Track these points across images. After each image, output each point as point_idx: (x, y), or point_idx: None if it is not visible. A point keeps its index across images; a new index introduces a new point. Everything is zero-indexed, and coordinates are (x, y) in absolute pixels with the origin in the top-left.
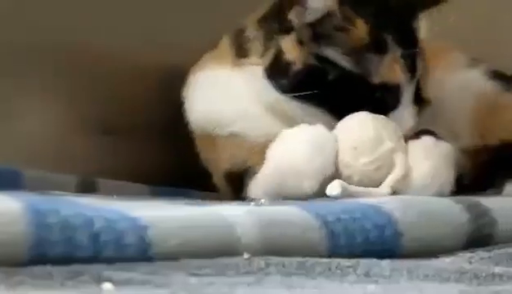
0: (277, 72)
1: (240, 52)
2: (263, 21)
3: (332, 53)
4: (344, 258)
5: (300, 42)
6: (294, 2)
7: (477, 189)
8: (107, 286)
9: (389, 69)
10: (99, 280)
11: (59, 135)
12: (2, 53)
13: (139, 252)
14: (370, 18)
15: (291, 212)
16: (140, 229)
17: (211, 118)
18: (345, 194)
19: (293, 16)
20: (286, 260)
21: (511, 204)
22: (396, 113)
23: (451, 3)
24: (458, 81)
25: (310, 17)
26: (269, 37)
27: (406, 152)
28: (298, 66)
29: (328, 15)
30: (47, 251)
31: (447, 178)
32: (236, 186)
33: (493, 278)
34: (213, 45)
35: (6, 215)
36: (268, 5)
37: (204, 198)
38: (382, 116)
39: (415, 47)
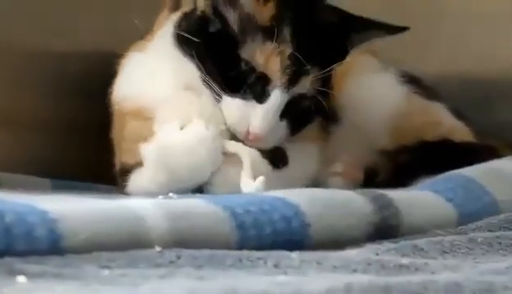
0: (186, 17)
1: (174, 9)
2: None
3: (229, 14)
4: (254, 250)
5: None
6: None
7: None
8: (21, 279)
9: (266, 56)
10: (13, 273)
11: None
12: None
13: (50, 245)
14: (284, 7)
15: (200, 205)
16: (50, 222)
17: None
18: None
19: None
20: (197, 252)
21: (416, 197)
22: (254, 106)
23: None
24: (372, 85)
25: None
26: None
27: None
28: (198, 12)
29: None
30: None
31: None
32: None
33: (400, 268)
34: None
35: None
36: None
37: (107, 192)
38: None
39: (319, 64)
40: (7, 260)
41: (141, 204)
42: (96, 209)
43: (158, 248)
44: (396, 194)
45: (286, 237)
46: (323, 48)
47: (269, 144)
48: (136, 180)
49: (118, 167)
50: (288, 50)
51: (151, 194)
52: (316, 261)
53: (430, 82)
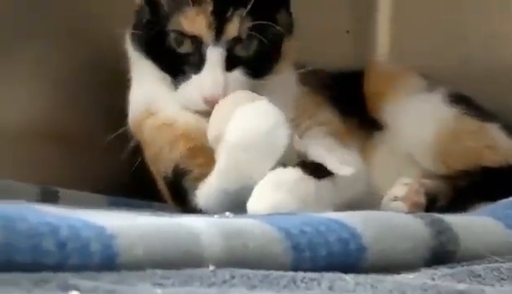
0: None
1: None
2: None
3: None
4: (308, 271)
5: None
6: None
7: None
8: None
9: (190, 18)
10: (66, 288)
11: (18, 143)
12: None
13: (105, 261)
14: None
15: (255, 225)
16: (106, 237)
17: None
18: None
19: None
20: (251, 272)
21: (475, 222)
22: (198, 75)
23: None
24: (418, 106)
25: None
26: None
27: None
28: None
29: None
30: (15, 258)
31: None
32: (179, 195)
33: None
34: None
35: None
36: None
37: (162, 210)
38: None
39: (242, 5)
40: (61, 275)
41: (197, 222)
42: (152, 226)
43: (211, 267)
44: (454, 219)
45: (341, 259)
46: None
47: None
48: (204, 190)
49: (164, 188)
50: (208, 6)
51: (219, 203)
52: (371, 285)
53: None
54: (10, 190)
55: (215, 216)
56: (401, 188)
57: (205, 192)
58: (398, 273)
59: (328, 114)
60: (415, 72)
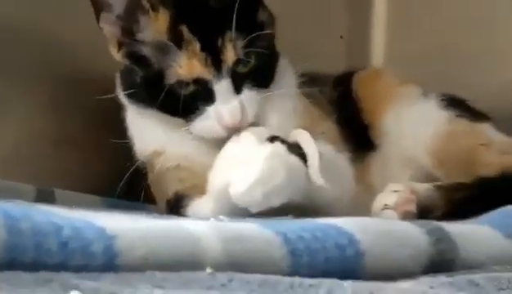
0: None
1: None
2: None
3: (143, 49)
4: (305, 276)
5: (120, 43)
6: (98, 10)
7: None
8: None
9: (185, 66)
10: (67, 288)
11: (14, 144)
12: None
13: (106, 261)
14: (172, 7)
15: (252, 229)
16: (107, 238)
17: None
18: None
19: (103, 24)
20: (250, 276)
21: (473, 231)
22: (213, 108)
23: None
24: (414, 113)
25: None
26: None
27: None
28: (122, 66)
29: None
30: (18, 256)
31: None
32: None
33: None
34: None
35: None
36: None
37: (156, 211)
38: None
39: (219, 33)
40: (63, 274)
41: (197, 225)
42: (152, 228)
43: (209, 270)
44: (453, 228)
45: (339, 265)
46: (222, 16)
47: (254, 114)
48: (196, 207)
49: (161, 201)
50: (195, 44)
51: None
52: (369, 292)
53: None
54: (7, 191)
55: (211, 218)
56: (391, 195)
57: (198, 209)
58: (396, 280)
59: (327, 124)
60: (407, 79)
